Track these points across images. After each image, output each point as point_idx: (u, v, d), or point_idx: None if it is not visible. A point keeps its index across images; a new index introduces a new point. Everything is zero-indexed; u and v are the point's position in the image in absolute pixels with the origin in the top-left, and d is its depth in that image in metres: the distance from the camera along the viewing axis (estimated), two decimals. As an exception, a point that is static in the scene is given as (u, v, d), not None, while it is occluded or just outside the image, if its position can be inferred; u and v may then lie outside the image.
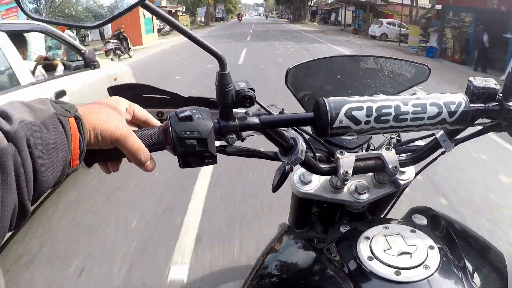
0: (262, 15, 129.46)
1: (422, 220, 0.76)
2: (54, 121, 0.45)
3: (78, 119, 0.49)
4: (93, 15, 0.54)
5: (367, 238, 0.66)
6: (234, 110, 0.61)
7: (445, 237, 0.72)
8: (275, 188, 0.92)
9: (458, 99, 0.64)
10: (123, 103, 0.59)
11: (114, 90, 0.73)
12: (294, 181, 0.84)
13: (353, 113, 0.61)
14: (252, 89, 0.60)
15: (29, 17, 0.55)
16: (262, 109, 0.66)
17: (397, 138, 0.91)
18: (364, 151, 0.87)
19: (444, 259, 0.62)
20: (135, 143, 0.55)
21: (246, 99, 0.59)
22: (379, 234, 0.67)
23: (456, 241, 0.70)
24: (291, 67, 0.81)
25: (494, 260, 0.72)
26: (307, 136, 0.72)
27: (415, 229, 0.67)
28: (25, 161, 0.40)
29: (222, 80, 0.58)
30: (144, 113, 0.63)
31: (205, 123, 0.57)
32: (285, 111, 0.76)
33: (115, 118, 0.54)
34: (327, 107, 0.60)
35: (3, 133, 0.39)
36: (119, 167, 0.62)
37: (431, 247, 0.63)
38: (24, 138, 0.41)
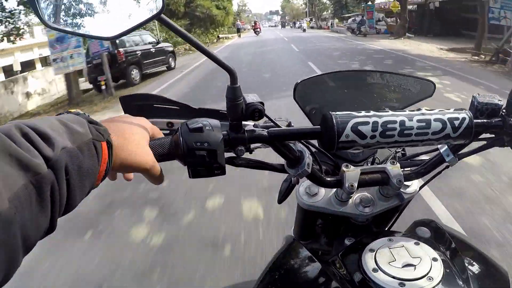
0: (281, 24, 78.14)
1: (425, 233, 0.77)
2: (90, 147, 0.45)
3: (109, 144, 0.49)
4: (109, 26, 0.56)
5: (372, 250, 0.67)
6: (243, 122, 0.63)
7: (448, 249, 0.73)
8: (281, 200, 0.93)
9: (462, 115, 0.65)
10: (148, 126, 0.61)
11: (126, 100, 0.74)
12: (300, 193, 0.85)
13: (359, 127, 0.62)
14: (262, 103, 0.61)
15: (46, 25, 0.56)
16: (270, 121, 0.67)
17: (402, 152, 0.92)
18: (369, 164, 0.88)
19: (448, 271, 0.63)
20: (156, 172, 0.57)
21: (256, 113, 0.60)
22: (383, 247, 0.67)
23: (459, 254, 0.71)
24: (299, 81, 0.83)
25: (497, 272, 0.73)
26: (313, 149, 0.73)
27: (419, 242, 0.68)
28: (62, 188, 0.40)
29: (233, 93, 0.60)
30: (157, 133, 0.64)
31: (215, 134, 0.59)
32: (292, 124, 0.77)
33: (143, 151, 0.55)
34: (334, 122, 0.62)
35: (44, 158, 0.39)
36: (116, 176, 0.63)
37: (435, 259, 0.64)
38: (64, 166, 0.41)
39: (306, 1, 70.59)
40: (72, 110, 0.52)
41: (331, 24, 43.31)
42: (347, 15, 38.49)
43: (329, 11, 59.63)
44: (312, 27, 52.04)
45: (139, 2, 0.56)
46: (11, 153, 0.37)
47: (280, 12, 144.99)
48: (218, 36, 32.80)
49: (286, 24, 74.92)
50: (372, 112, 0.64)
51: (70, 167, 0.42)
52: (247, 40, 31.42)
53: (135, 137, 0.56)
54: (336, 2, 46.22)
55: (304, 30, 40.13)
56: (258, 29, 39.75)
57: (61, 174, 0.40)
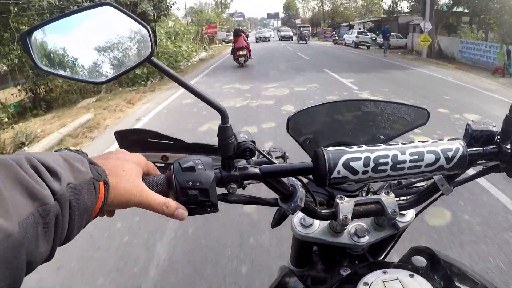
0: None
1: (421, 262, 0.76)
2: (90, 186, 0.48)
3: (106, 184, 0.51)
4: (101, 71, 0.56)
5: (366, 284, 0.67)
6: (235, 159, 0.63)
7: (444, 279, 0.72)
8: (274, 225, 0.93)
9: (456, 145, 0.65)
10: (143, 162, 0.62)
11: (121, 135, 0.75)
12: (294, 224, 0.85)
13: (351, 163, 0.62)
14: (253, 141, 0.61)
15: (40, 69, 0.57)
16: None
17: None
18: (364, 194, 0.88)
19: None
20: (154, 204, 0.57)
21: (247, 151, 0.61)
22: (377, 280, 0.67)
23: (455, 283, 0.71)
24: (291, 114, 0.83)
25: None
26: (306, 181, 0.73)
27: (414, 274, 0.68)
28: (64, 221, 0.43)
29: (224, 133, 0.60)
30: (152, 168, 0.65)
31: (207, 173, 0.59)
32: (287, 155, 0.78)
33: (134, 187, 0.56)
34: (325, 158, 0.62)
35: (52, 191, 0.42)
36: (114, 213, 0.63)
37: None
38: (68, 200, 0.44)
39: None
40: (72, 148, 0.54)
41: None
42: None
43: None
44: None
45: (129, 48, 0.56)
46: (21, 182, 0.40)
47: (282, 15, 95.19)
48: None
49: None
50: (364, 147, 0.64)
51: (73, 202, 0.45)
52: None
53: (128, 174, 0.57)
54: None
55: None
56: (244, 54, 14.76)
57: (66, 207, 0.43)
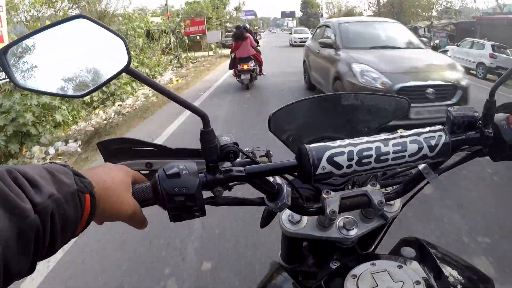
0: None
1: (410, 253, 0.77)
2: (74, 198, 0.48)
3: (93, 197, 0.51)
4: (79, 84, 0.57)
5: (354, 276, 0.67)
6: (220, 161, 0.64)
7: (433, 269, 0.73)
8: (263, 225, 0.94)
9: (438, 133, 0.66)
10: (130, 173, 0.62)
11: (104, 145, 0.75)
12: (283, 221, 0.85)
13: (335, 159, 0.63)
14: (236, 143, 0.62)
15: (17, 86, 0.57)
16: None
17: None
18: (349, 187, 0.89)
19: None
20: (137, 219, 0.60)
21: (231, 154, 0.62)
22: (366, 272, 0.68)
23: (444, 273, 0.72)
24: (272, 113, 0.84)
25: (482, 285, 0.73)
26: (291, 177, 0.74)
27: (402, 264, 0.69)
28: (45, 234, 0.43)
29: (206, 137, 0.61)
30: (138, 177, 0.66)
31: (193, 179, 0.60)
32: (271, 153, 0.78)
33: (124, 201, 0.57)
34: (309, 155, 0.63)
35: (32, 204, 0.41)
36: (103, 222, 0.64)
37: (418, 282, 0.64)
38: (50, 213, 0.43)
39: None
40: (57, 162, 0.53)
41: None
42: None
43: None
44: None
45: (106, 59, 0.57)
46: (1, 194, 0.39)
47: (299, 14, 79.73)
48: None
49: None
50: (347, 141, 0.65)
51: (55, 215, 0.44)
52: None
53: (117, 188, 0.57)
54: None
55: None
56: (251, 68, 8.54)
57: (47, 220, 0.43)
